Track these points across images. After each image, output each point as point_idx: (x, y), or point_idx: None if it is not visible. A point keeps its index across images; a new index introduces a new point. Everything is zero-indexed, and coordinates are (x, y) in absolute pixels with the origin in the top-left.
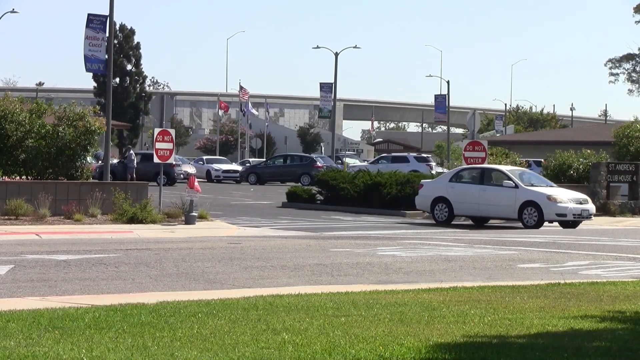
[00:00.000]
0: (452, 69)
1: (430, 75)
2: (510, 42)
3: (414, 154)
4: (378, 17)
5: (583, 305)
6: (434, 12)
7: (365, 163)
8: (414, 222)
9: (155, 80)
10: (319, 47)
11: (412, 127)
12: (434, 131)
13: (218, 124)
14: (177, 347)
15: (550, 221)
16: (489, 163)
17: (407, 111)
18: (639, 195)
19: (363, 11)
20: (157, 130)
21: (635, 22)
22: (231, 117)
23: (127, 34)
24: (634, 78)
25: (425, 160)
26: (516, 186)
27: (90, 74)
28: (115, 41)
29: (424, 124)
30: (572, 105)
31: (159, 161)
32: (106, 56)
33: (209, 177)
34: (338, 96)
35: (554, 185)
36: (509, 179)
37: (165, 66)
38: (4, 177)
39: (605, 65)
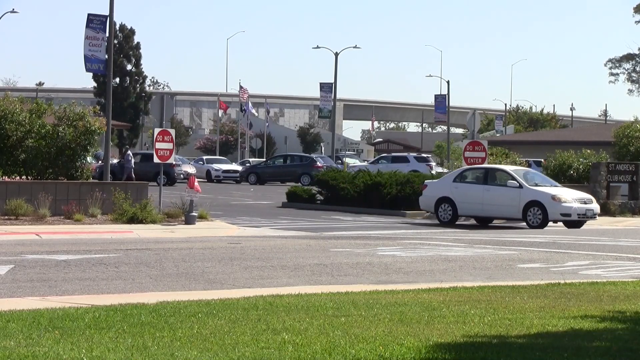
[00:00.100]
0: (452, 69)
1: (430, 75)
2: (510, 42)
3: (414, 154)
4: (378, 17)
5: (583, 305)
6: (434, 12)
7: (365, 163)
8: (414, 222)
9: (155, 80)
10: (319, 47)
11: (412, 127)
12: (434, 131)
13: (218, 124)
14: (177, 347)
15: (555, 221)
16: (489, 163)
17: (407, 111)
18: (639, 195)
19: (363, 11)
20: (157, 130)
21: (635, 22)
22: (231, 117)
23: (127, 34)
24: (634, 78)
25: (425, 160)
26: (520, 186)
27: (90, 74)
28: (115, 41)
29: (424, 124)
30: (572, 105)
31: (159, 161)
32: (106, 56)
33: (209, 177)
34: (338, 96)
35: (558, 185)
36: (513, 179)
37: (165, 66)
38: (4, 177)
39: (605, 65)
